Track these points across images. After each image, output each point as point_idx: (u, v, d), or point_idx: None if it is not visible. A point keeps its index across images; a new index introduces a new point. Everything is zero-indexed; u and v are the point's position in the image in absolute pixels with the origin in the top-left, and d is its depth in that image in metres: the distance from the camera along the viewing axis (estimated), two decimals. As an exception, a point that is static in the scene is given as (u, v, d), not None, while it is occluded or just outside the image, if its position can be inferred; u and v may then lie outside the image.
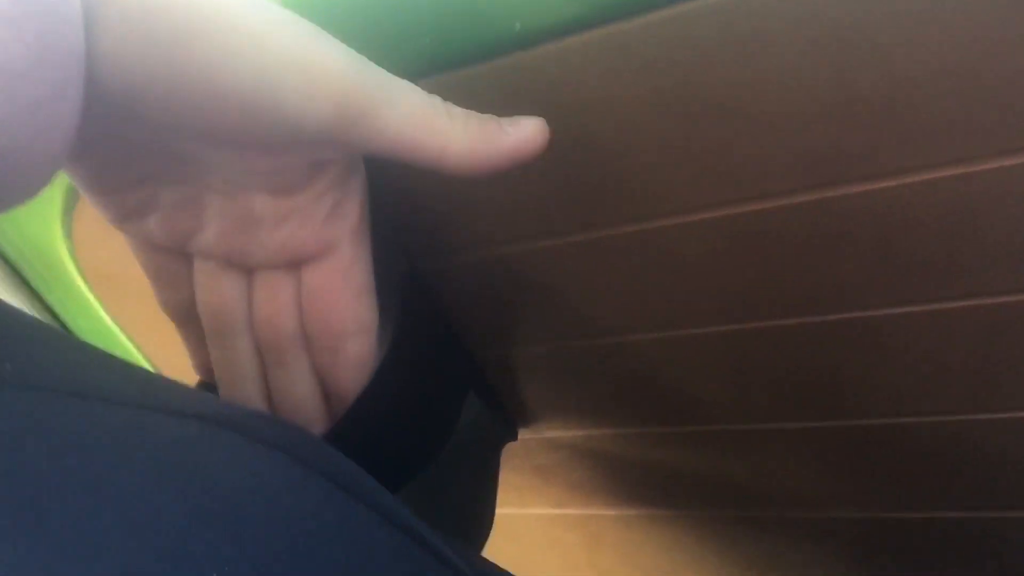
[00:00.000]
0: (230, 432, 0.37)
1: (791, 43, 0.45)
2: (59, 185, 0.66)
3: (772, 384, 0.64)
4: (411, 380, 0.60)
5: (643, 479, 0.79)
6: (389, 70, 0.51)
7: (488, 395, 0.74)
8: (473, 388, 0.71)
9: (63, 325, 0.79)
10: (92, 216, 0.68)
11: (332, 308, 0.47)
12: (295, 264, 0.47)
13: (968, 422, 0.62)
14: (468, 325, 0.69)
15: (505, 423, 0.76)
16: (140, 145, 0.40)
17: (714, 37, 0.46)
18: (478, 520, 0.71)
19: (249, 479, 0.34)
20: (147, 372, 0.40)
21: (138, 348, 0.78)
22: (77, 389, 0.34)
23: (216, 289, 0.48)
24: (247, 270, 0.48)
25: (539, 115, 0.51)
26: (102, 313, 0.75)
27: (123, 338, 0.77)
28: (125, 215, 0.45)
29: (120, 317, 0.76)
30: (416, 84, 0.50)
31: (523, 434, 0.77)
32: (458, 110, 0.44)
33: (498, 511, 0.83)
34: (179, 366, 0.72)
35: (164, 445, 0.34)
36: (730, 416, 0.68)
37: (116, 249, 0.70)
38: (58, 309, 0.78)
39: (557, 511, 0.86)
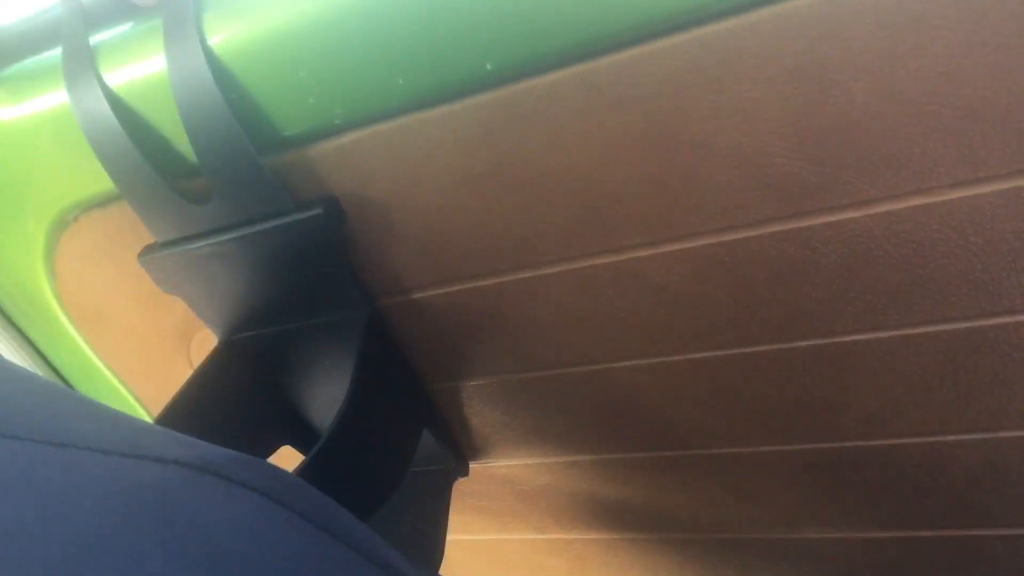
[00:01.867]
0: (211, 476, 0.38)
1: (754, 79, 0.47)
2: (42, 223, 0.67)
3: (747, 409, 0.65)
4: (374, 415, 0.61)
5: (624, 504, 0.80)
6: (368, 107, 0.53)
7: (441, 430, 0.75)
8: (427, 423, 0.72)
9: (47, 361, 0.80)
10: (74, 253, 0.69)
11: None
12: None
13: (937, 443, 0.63)
14: (427, 361, 0.70)
15: (457, 458, 0.77)
16: None
17: (681, 74, 0.48)
18: (431, 551, 0.72)
19: (231, 522, 0.35)
20: (133, 419, 0.41)
21: (121, 382, 0.79)
22: (61, 439, 0.35)
23: None
24: None
25: (514, 150, 0.52)
26: (85, 348, 0.76)
27: (106, 372, 0.78)
28: None
29: (102, 351, 0.76)
30: (395, 120, 0.51)
31: (504, 461, 0.78)
32: None
33: (482, 537, 0.84)
34: (160, 397, 0.73)
35: (146, 491, 0.34)
36: (707, 441, 0.69)
37: (99, 285, 0.71)
38: (41, 345, 0.78)
39: (541, 536, 0.87)
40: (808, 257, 0.54)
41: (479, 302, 0.63)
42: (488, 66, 0.49)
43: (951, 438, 0.62)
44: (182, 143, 0.57)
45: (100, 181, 0.61)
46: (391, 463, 0.63)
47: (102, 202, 0.65)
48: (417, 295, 0.64)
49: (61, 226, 0.67)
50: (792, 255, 0.54)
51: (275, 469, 0.42)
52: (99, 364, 0.77)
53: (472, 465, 0.80)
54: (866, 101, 0.46)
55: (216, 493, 0.37)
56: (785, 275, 0.56)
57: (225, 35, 0.52)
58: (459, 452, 0.77)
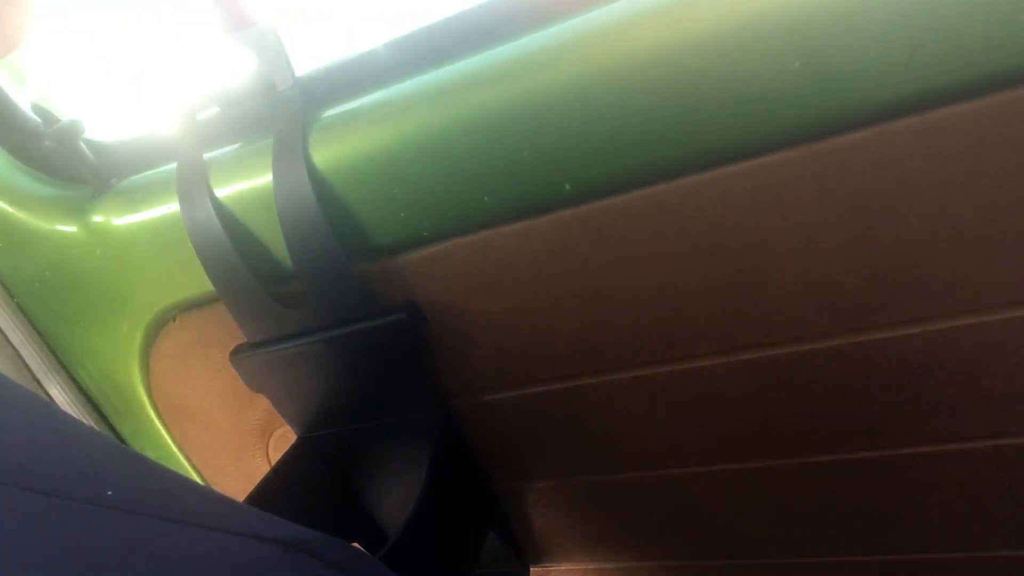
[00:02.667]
0: (306, 555, 0.41)
1: (814, 202, 0.50)
2: (141, 321, 0.72)
3: (807, 519, 0.66)
4: (445, 515, 0.63)
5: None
6: (454, 221, 0.58)
7: (506, 531, 0.76)
8: (493, 524, 0.74)
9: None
10: (169, 351, 0.73)
11: None
12: None
13: (1003, 559, 0.63)
14: (495, 462, 0.72)
15: (519, 561, 0.78)
16: None
17: (745, 198, 0.51)
18: None
19: (324, 600, 0.38)
20: (233, 501, 0.44)
21: (199, 474, 0.82)
22: (173, 515, 0.38)
23: None
24: None
25: (587, 263, 0.56)
26: (168, 440, 0.80)
27: (186, 464, 0.81)
28: None
29: (184, 444, 0.80)
30: (478, 233, 0.56)
31: (565, 565, 0.79)
32: None
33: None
34: (236, 492, 0.76)
35: (250, 567, 0.37)
36: (769, 549, 0.70)
37: (188, 382, 0.75)
38: (125, 435, 0.82)
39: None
40: (867, 371, 0.56)
41: (548, 406, 0.65)
42: (567, 187, 0.54)
43: (1006, 553, 0.62)
44: (279, 251, 0.62)
45: (200, 284, 0.66)
46: (459, 562, 0.65)
47: (199, 304, 0.70)
48: (488, 397, 0.67)
49: (159, 325, 0.72)
50: (851, 369, 0.56)
51: (361, 552, 0.44)
52: (180, 456, 0.81)
53: (533, 570, 0.81)
54: (920, 226, 0.49)
55: (311, 572, 0.40)
56: (844, 388, 0.58)
57: (327, 154, 0.58)
58: (521, 554, 0.79)
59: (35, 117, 0.73)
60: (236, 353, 0.67)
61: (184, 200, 0.63)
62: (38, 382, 0.78)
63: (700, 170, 0.52)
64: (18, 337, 0.76)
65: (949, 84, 0.45)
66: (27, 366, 0.77)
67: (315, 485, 0.70)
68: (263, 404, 0.74)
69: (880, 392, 0.57)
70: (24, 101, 0.73)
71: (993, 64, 0.44)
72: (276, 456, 0.76)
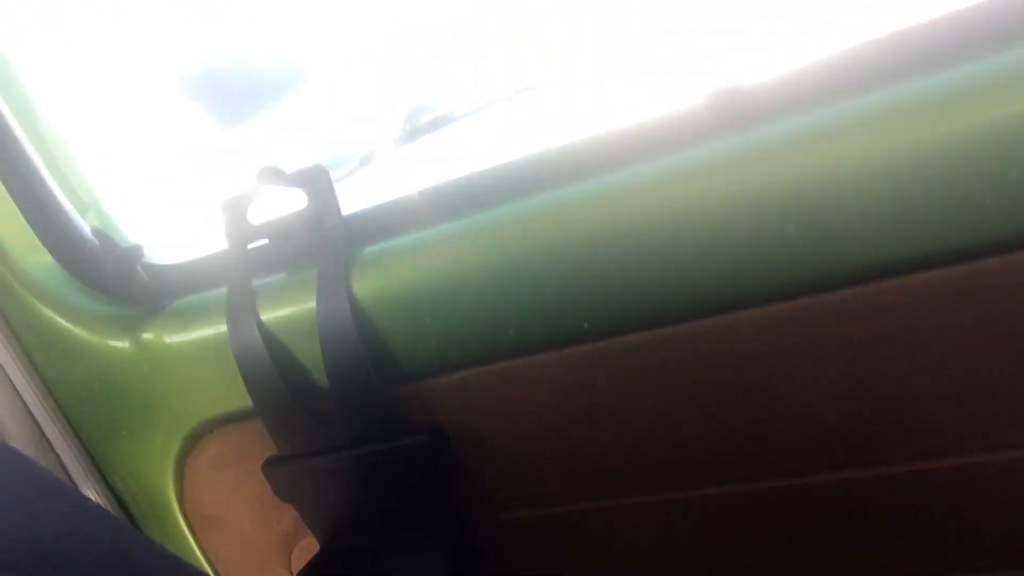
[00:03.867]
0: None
1: (808, 354, 0.56)
2: (179, 433, 0.76)
3: None
4: None
5: None
6: (481, 351, 0.63)
7: None
8: None
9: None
10: (205, 462, 0.78)
11: None
12: None
13: None
14: None
15: None
16: None
17: (747, 342, 0.57)
18: None
19: None
20: None
21: None
22: None
23: None
24: None
25: (603, 395, 0.61)
26: (195, 548, 0.83)
27: (210, 572, 0.84)
28: None
29: (211, 552, 0.84)
30: (502, 363, 0.61)
31: None
32: None
33: None
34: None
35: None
36: None
37: (220, 492, 0.79)
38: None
39: None
40: (857, 504, 0.60)
41: (564, 527, 0.69)
42: (585, 325, 0.59)
43: None
44: (316, 371, 0.68)
45: (238, 400, 0.71)
46: None
47: (236, 418, 0.74)
48: (506, 516, 0.70)
49: (197, 436, 0.77)
50: (843, 500, 0.60)
51: None
52: (204, 563, 0.84)
53: None
54: (904, 375, 0.55)
55: None
56: (838, 518, 0.61)
57: (367, 286, 0.64)
58: None
59: (95, 240, 0.79)
60: (269, 465, 0.71)
61: (232, 322, 0.69)
62: (76, 486, 0.82)
63: (707, 316, 0.57)
64: (61, 443, 0.81)
65: (930, 251, 0.51)
66: (67, 471, 0.82)
67: None
68: (290, 516, 0.77)
69: (868, 524, 0.61)
70: (86, 226, 0.80)
71: (972, 234, 0.49)
72: (297, 567, 0.79)
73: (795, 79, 0.56)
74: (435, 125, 2.81)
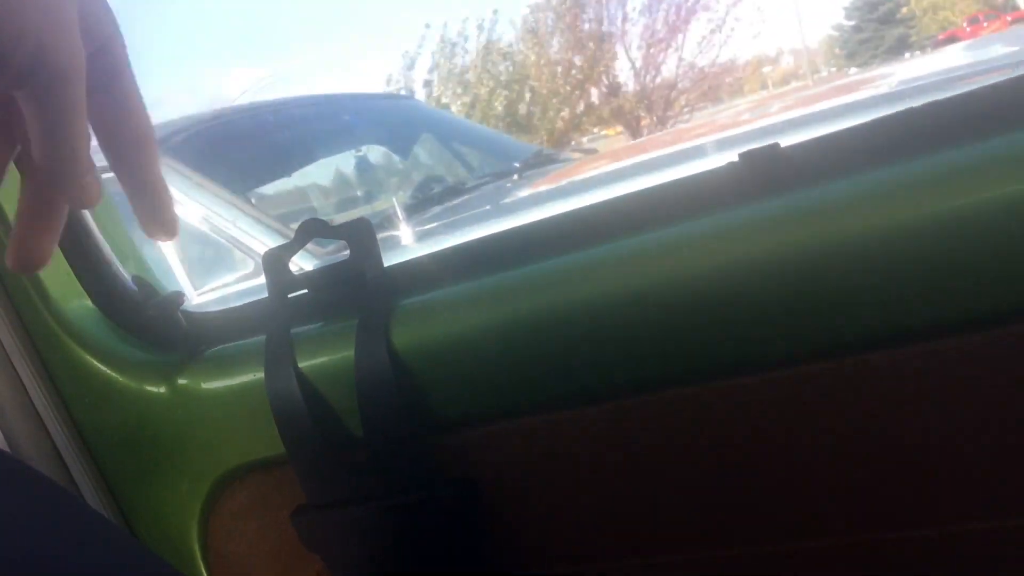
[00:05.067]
0: None
1: (826, 414, 0.57)
2: (209, 478, 0.77)
3: None
4: None
5: None
6: (514, 404, 0.64)
7: None
8: None
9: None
10: (231, 509, 0.78)
11: None
12: None
13: None
14: None
15: None
16: None
17: (764, 404, 0.58)
18: None
19: None
20: None
21: None
22: None
23: None
24: None
25: (635, 451, 0.62)
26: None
27: None
28: None
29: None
30: (535, 418, 0.63)
31: None
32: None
33: None
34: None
35: None
36: None
37: (245, 540, 0.79)
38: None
39: None
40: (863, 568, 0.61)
41: None
42: (618, 380, 0.61)
43: None
44: (352, 419, 0.69)
45: (270, 447, 0.72)
46: None
47: (266, 465, 0.75)
48: (536, 572, 0.70)
49: (225, 484, 0.77)
50: (850, 563, 0.61)
51: None
52: None
53: None
54: (919, 441, 0.56)
55: None
56: None
57: (406, 337, 0.66)
58: None
59: (135, 287, 0.81)
60: (297, 514, 0.72)
61: (270, 368, 0.70)
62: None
63: (739, 375, 0.59)
64: (88, 487, 0.81)
65: (929, 320, 0.53)
66: (92, 516, 0.82)
67: None
68: (315, 568, 0.77)
69: None
70: (127, 273, 0.82)
71: (976, 306, 0.51)
72: (319, 620, 0.79)
73: (826, 145, 0.59)
74: (445, 196, 2.87)
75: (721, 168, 0.62)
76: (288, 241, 0.73)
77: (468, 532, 0.67)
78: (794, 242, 0.55)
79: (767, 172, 0.59)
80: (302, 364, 0.70)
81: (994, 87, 0.56)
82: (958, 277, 0.52)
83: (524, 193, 2.58)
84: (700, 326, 0.58)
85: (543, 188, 2.57)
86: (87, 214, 0.80)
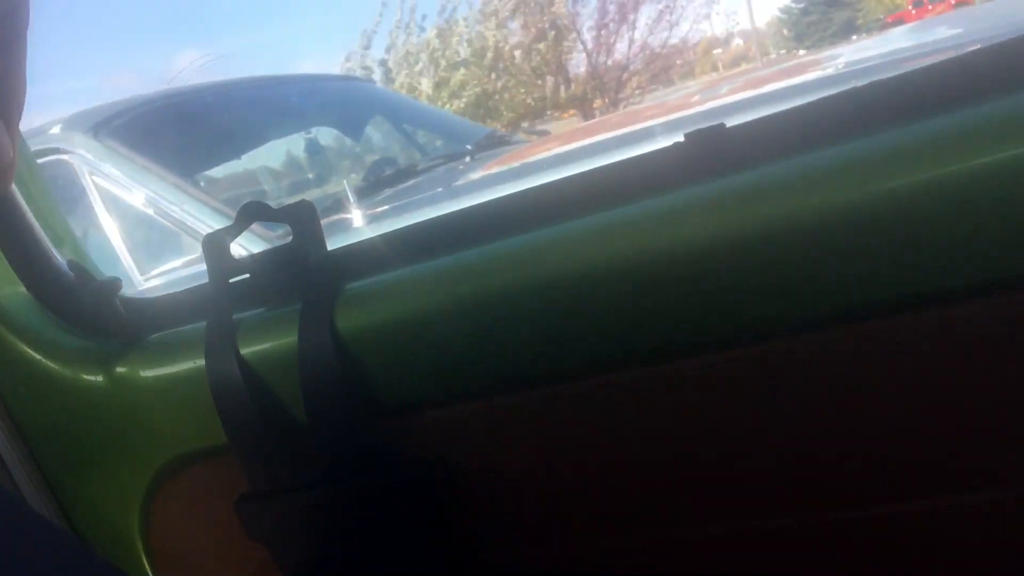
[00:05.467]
0: None
1: (795, 388, 0.57)
2: (149, 470, 0.75)
3: None
4: None
5: None
6: (464, 388, 0.63)
7: None
8: None
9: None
10: (173, 500, 0.76)
11: None
12: None
13: None
14: None
15: None
16: None
17: (730, 380, 0.58)
18: None
19: None
20: None
21: None
22: None
23: None
24: None
25: (589, 433, 0.62)
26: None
27: None
28: None
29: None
30: (486, 401, 0.62)
31: None
32: None
33: None
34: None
35: None
36: None
37: (186, 531, 0.77)
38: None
39: None
40: (843, 544, 0.61)
41: (550, 565, 0.69)
42: (571, 363, 0.60)
43: None
44: (296, 406, 0.67)
45: (212, 436, 0.71)
46: None
47: (208, 454, 0.73)
48: (494, 554, 0.70)
49: (166, 474, 0.75)
50: (834, 540, 0.61)
51: None
52: None
53: None
54: (848, 425, 0.56)
55: None
56: (831, 556, 0.62)
57: (350, 321, 0.64)
58: None
59: (71, 273, 0.79)
60: (241, 501, 0.70)
61: (210, 355, 0.68)
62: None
63: (696, 354, 0.58)
64: (24, 480, 0.79)
65: (874, 298, 0.53)
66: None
67: None
68: (259, 556, 0.76)
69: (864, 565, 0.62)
70: (62, 259, 0.79)
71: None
72: (266, 611, 0.78)
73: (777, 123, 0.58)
74: (397, 179, 2.84)
75: (668, 148, 0.61)
76: (229, 225, 0.71)
77: (417, 516, 0.66)
78: (741, 220, 0.55)
79: (713, 151, 0.59)
80: (244, 350, 0.68)
81: (935, 67, 0.56)
82: (903, 254, 0.52)
83: (476, 175, 2.56)
84: (649, 307, 0.58)
85: (495, 170, 2.55)
86: (19, 196, 0.77)
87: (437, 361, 0.63)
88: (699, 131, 0.59)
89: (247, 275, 0.71)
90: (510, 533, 0.69)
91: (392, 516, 0.66)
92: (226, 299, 0.70)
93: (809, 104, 0.58)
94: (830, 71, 1.94)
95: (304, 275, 0.68)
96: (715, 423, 0.60)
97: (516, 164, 2.53)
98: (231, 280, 0.71)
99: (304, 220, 0.68)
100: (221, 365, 0.68)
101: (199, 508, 0.76)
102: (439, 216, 0.68)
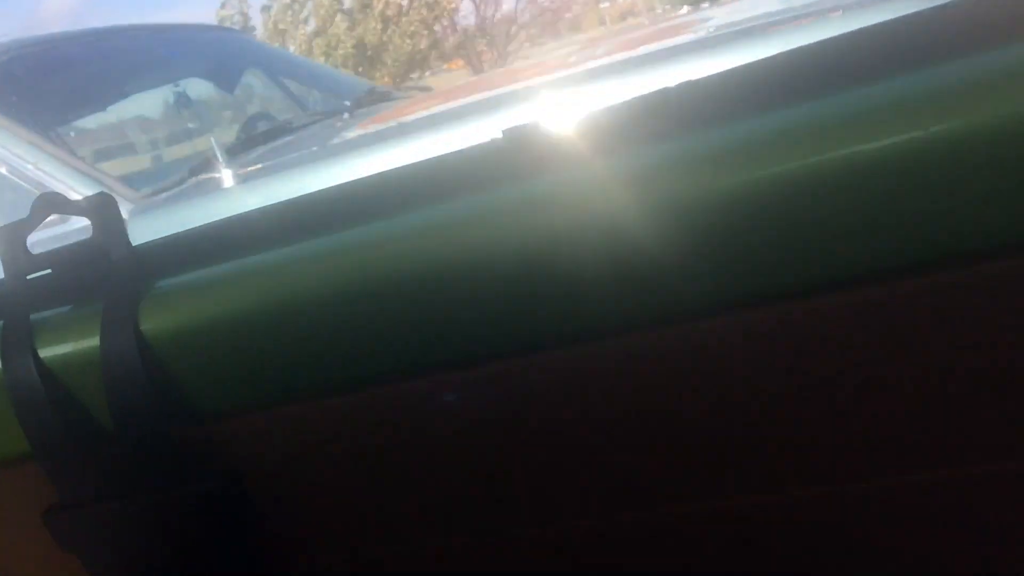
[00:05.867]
0: None
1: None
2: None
3: None
4: None
5: None
6: (278, 393, 0.60)
7: None
8: None
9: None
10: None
11: None
12: None
13: None
14: None
15: None
16: None
17: (575, 377, 0.56)
18: None
19: None
20: None
21: None
22: None
23: None
24: None
25: (409, 440, 0.60)
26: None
27: None
28: None
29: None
30: (300, 406, 0.59)
31: None
32: None
33: None
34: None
35: None
36: None
37: (3, 542, 0.73)
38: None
39: None
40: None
41: (365, 572, 0.67)
42: (386, 365, 0.58)
43: None
44: (101, 412, 0.63)
45: (13, 443, 0.66)
46: None
47: (11, 463, 0.68)
48: (304, 566, 0.68)
49: None
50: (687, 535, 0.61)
51: None
52: None
53: None
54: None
55: None
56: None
57: (156, 323, 0.60)
58: None
59: None
60: (50, 512, 0.66)
61: (6, 358, 0.63)
62: None
63: (509, 356, 0.57)
64: None
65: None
66: None
67: None
68: (72, 567, 0.72)
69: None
70: None
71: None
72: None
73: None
74: (270, 136, 2.74)
75: (487, 144, 0.59)
76: (26, 218, 0.65)
77: (229, 526, 0.64)
78: (555, 220, 0.53)
79: (529, 149, 0.57)
80: (43, 352, 0.63)
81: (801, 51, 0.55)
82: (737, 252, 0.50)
83: (353, 133, 2.49)
84: (470, 306, 0.56)
85: (372, 128, 2.48)
86: None
87: (249, 365, 0.60)
88: (515, 128, 0.57)
89: (48, 271, 0.66)
90: (330, 540, 0.66)
91: (205, 527, 0.63)
92: (23, 297, 0.65)
93: (635, 100, 0.57)
94: (701, 34, 1.95)
95: (106, 273, 0.63)
96: (544, 422, 0.59)
97: (394, 123, 2.47)
98: (29, 277, 0.66)
99: (104, 214, 0.63)
100: (18, 369, 0.63)
101: (7, 519, 0.71)
102: (252, 211, 0.64)
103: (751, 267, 0.51)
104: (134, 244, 0.65)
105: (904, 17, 0.55)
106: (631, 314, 0.54)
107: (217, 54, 3.27)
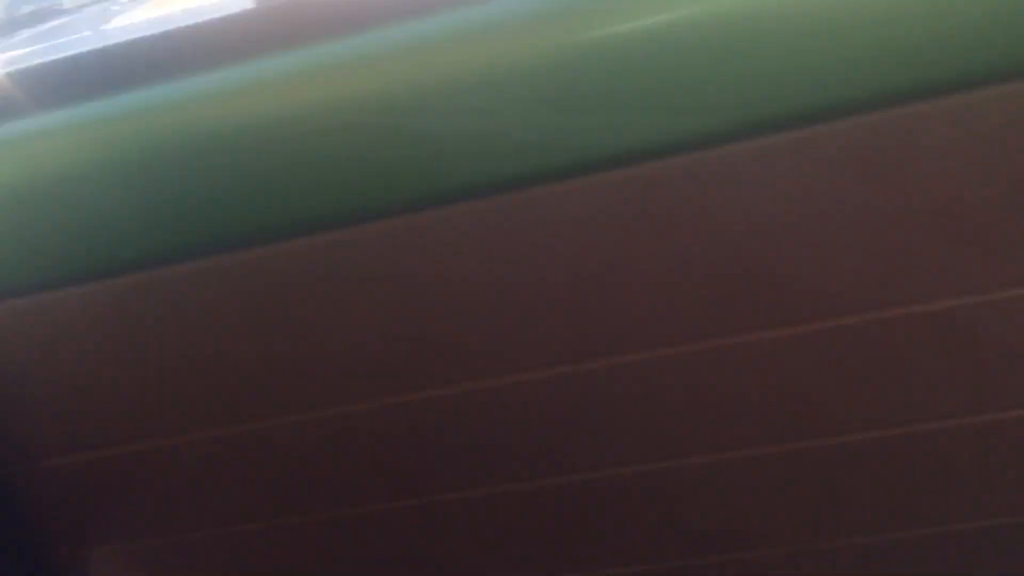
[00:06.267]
0: None
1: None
2: None
3: None
4: None
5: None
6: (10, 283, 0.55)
7: None
8: None
9: None
10: None
11: None
12: None
13: None
14: (58, 528, 0.70)
15: None
16: None
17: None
18: None
19: None
20: None
21: None
22: None
23: None
24: None
25: (149, 330, 0.57)
26: None
27: None
28: None
29: None
30: (32, 297, 0.54)
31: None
32: None
33: None
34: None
35: None
36: None
37: None
38: None
39: None
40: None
41: (108, 468, 0.64)
42: (128, 252, 0.54)
43: None
44: None
45: None
46: None
47: None
48: (45, 463, 0.64)
49: None
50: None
51: None
52: None
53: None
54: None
55: None
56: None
57: None
58: None
59: None
60: None
61: None
62: None
63: (261, 244, 0.55)
64: None
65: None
66: None
67: None
68: None
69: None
70: None
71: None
72: None
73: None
74: (37, 18, 2.49)
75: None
76: None
77: None
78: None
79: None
80: None
81: None
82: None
83: (134, 19, 2.29)
84: (239, 187, 0.53)
85: (157, 13, 2.30)
86: None
87: None
88: None
89: None
90: (72, 436, 0.63)
91: None
92: None
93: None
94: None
95: None
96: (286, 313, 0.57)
97: (178, 9, 2.29)
98: None
99: None
100: None
101: None
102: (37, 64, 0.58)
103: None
104: None
105: None
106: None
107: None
